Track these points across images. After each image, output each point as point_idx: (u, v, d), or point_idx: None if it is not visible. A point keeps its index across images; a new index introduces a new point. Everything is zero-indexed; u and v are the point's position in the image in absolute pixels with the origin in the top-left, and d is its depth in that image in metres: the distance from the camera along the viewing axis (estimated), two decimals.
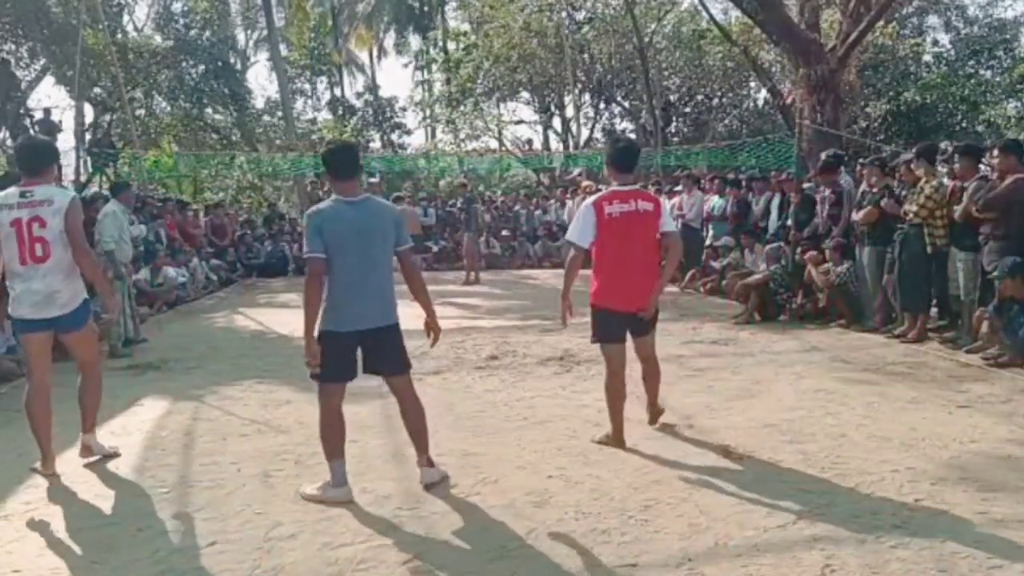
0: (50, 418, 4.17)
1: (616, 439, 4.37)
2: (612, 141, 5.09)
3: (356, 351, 3.68)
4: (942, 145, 9.26)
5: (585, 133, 25.51)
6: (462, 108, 24.78)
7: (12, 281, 4.10)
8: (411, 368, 3.87)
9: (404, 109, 28.88)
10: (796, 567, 2.98)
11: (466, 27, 27.48)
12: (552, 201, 17.89)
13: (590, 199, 4.39)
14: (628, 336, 4.45)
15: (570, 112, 24.98)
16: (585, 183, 17.19)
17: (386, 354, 3.74)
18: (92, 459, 4.39)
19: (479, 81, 24.16)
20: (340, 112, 28.99)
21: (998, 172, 6.50)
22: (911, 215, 7.07)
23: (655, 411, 4.74)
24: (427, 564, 3.07)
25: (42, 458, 4.17)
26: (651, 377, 4.65)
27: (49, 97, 64.20)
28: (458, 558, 3.12)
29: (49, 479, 4.09)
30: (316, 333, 3.59)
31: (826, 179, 8.63)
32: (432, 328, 3.87)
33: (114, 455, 4.47)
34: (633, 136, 25.16)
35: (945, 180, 7.28)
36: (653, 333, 4.54)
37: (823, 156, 8.97)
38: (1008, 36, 21.20)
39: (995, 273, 6.18)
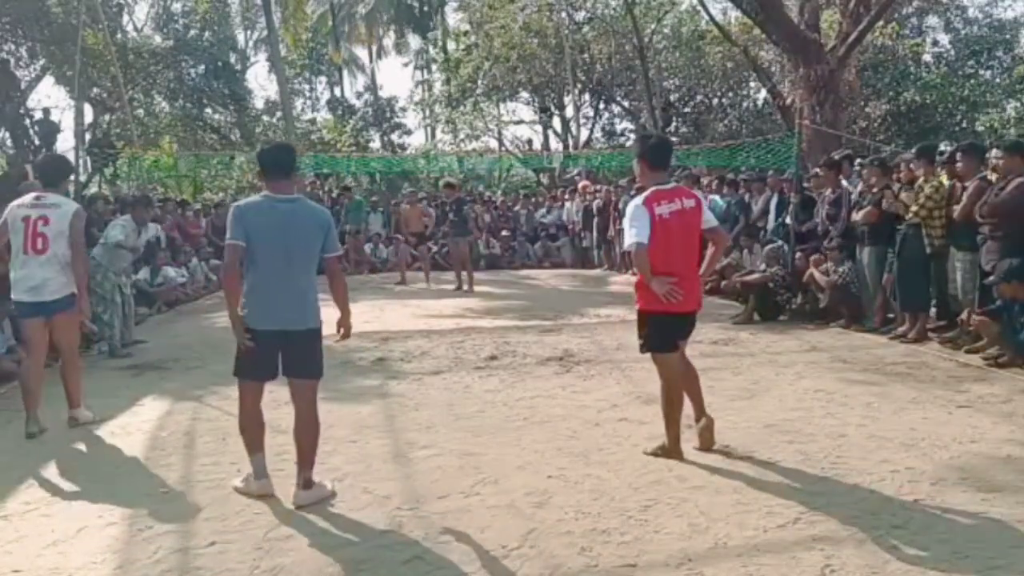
0: (38, 391, 4.92)
1: (674, 450, 4.18)
2: (643, 137, 4.88)
3: (275, 350, 3.66)
4: (941, 146, 9.27)
5: (585, 133, 25.51)
6: (462, 108, 24.78)
7: (15, 268, 4.87)
8: (320, 378, 3.83)
9: (404, 109, 28.93)
10: (796, 567, 2.98)
11: (466, 27, 27.51)
12: (552, 203, 17.84)
13: (638, 199, 4.12)
14: None
15: (570, 112, 25.03)
16: (583, 183, 17.21)
17: (298, 357, 3.70)
18: (79, 425, 5.02)
19: (479, 81, 24.16)
20: (340, 112, 28.99)
21: (1002, 172, 6.47)
22: (911, 214, 7.06)
23: (702, 412, 4.40)
24: (427, 564, 3.07)
25: (27, 419, 4.88)
26: (692, 379, 4.42)
27: (49, 97, 64.09)
28: (458, 558, 3.12)
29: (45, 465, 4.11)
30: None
31: (830, 178, 8.64)
32: (343, 326, 3.88)
33: (95, 421, 5.08)
34: (633, 136, 25.19)
35: (944, 180, 7.28)
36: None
37: (834, 156, 8.99)
38: (1008, 36, 21.19)
39: (992, 279, 6.18)
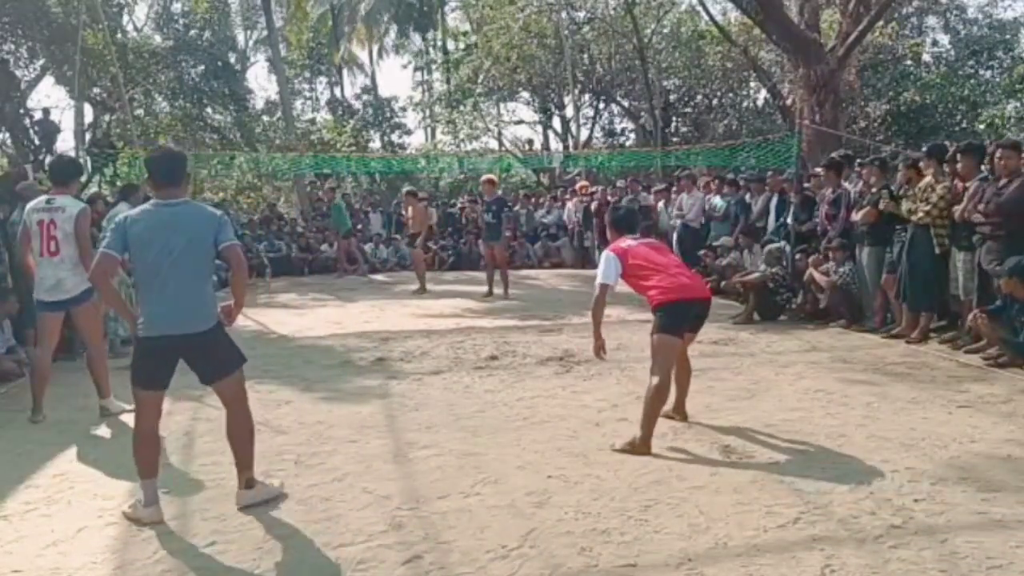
0: (47, 380, 5.25)
1: (646, 446, 4.29)
2: (614, 208, 5.54)
3: (171, 359, 3.54)
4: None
5: (585, 133, 25.50)
6: (462, 108, 24.77)
7: (36, 269, 5.17)
8: (238, 367, 3.66)
9: (404, 109, 28.87)
10: (796, 567, 2.98)
11: (466, 27, 27.49)
12: (553, 203, 17.83)
13: (607, 249, 4.70)
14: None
15: (570, 112, 25.00)
16: (582, 183, 17.25)
17: (207, 360, 3.58)
18: (110, 415, 5.24)
19: (479, 81, 24.16)
20: (340, 112, 28.96)
21: (1002, 171, 6.45)
22: (921, 214, 7.03)
23: (683, 409, 4.92)
24: (427, 564, 3.07)
25: (34, 408, 5.18)
26: (687, 373, 4.87)
27: (49, 97, 64.09)
28: (458, 558, 3.12)
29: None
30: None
31: (831, 178, 8.65)
32: (229, 315, 3.66)
33: (130, 410, 5.06)
34: (633, 136, 25.20)
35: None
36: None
37: (833, 156, 9.00)
38: (1008, 36, 21.19)
39: (999, 268, 6.15)
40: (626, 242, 4.65)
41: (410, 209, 12.60)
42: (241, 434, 3.68)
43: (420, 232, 12.26)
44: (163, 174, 3.57)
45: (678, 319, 4.44)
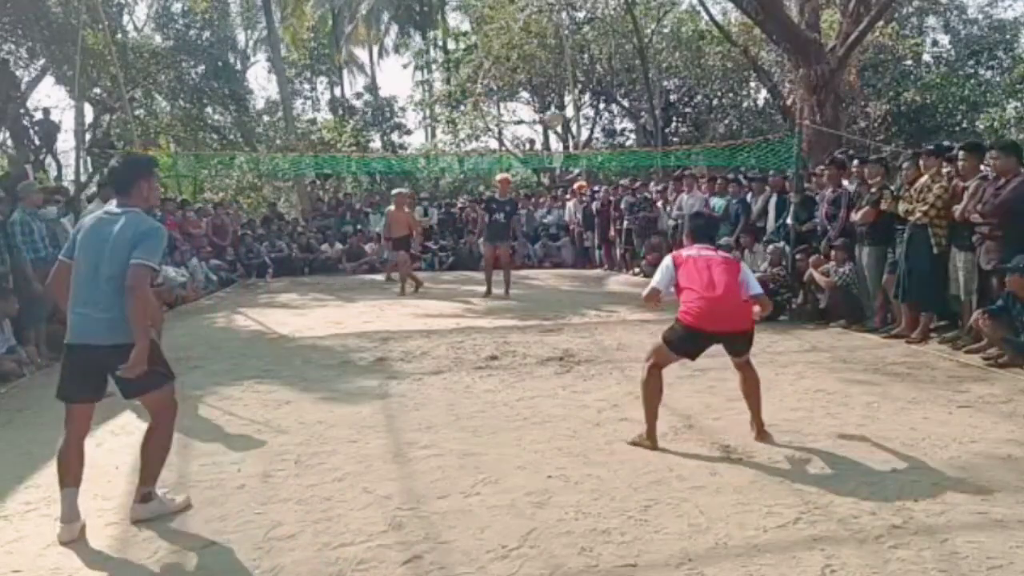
0: None
1: (650, 438, 4.36)
2: (693, 215, 5.50)
3: (93, 370, 3.41)
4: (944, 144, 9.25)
5: (585, 133, 25.51)
6: (462, 108, 24.78)
7: None
8: (162, 385, 3.54)
9: (404, 109, 28.89)
10: (796, 567, 2.98)
11: (466, 27, 27.51)
12: (553, 203, 17.85)
13: (669, 255, 4.58)
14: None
15: (570, 112, 25.01)
16: (579, 184, 17.28)
17: (118, 376, 3.39)
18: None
19: (479, 81, 24.17)
20: (340, 112, 28.98)
21: (997, 172, 6.48)
22: (919, 214, 7.03)
23: (760, 424, 4.57)
24: (427, 564, 3.07)
25: None
26: (751, 386, 4.55)
27: (49, 97, 64.33)
28: (458, 558, 3.12)
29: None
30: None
31: (831, 177, 8.65)
32: (132, 362, 3.29)
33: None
34: (633, 136, 25.20)
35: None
36: (749, 350, 4.52)
37: (836, 154, 9.01)
38: (1008, 36, 21.21)
39: (1001, 266, 6.15)
40: (691, 250, 4.51)
41: (393, 210, 12.04)
42: (155, 449, 3.57)
43: (407, 236, 11.92)
44: (111, 182, 3.59)
45: (688, 343, 4.35)
